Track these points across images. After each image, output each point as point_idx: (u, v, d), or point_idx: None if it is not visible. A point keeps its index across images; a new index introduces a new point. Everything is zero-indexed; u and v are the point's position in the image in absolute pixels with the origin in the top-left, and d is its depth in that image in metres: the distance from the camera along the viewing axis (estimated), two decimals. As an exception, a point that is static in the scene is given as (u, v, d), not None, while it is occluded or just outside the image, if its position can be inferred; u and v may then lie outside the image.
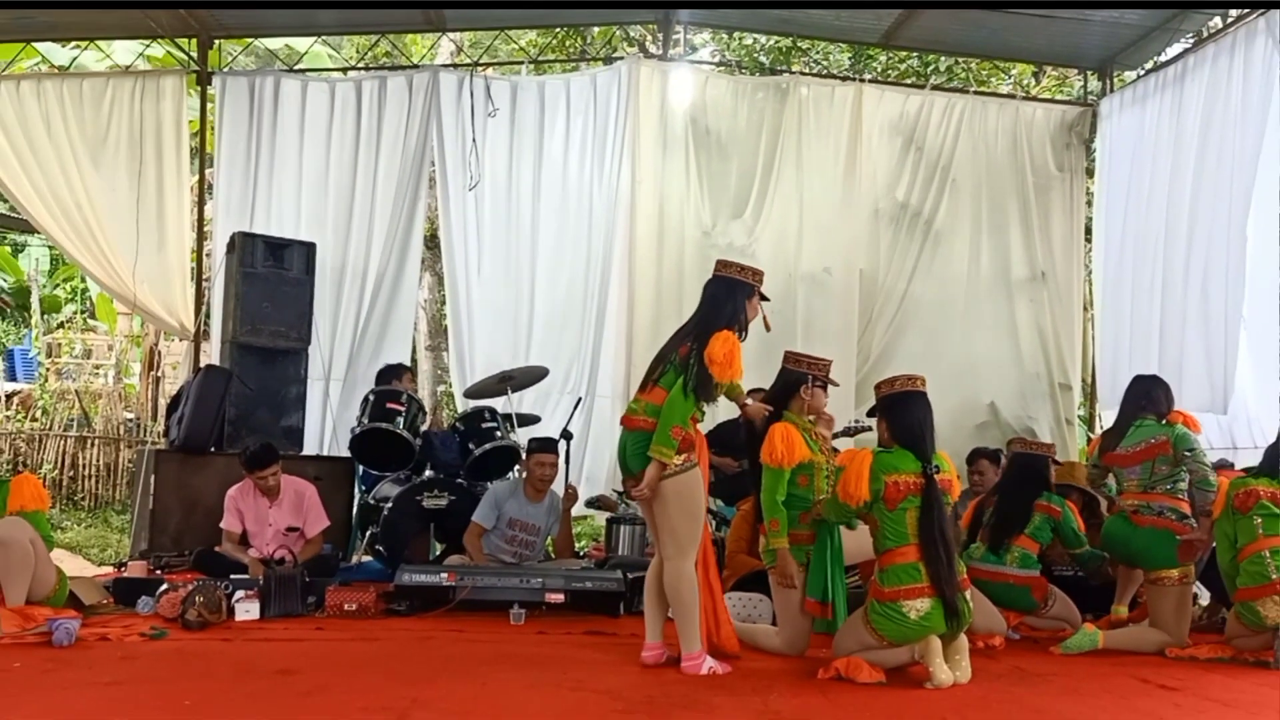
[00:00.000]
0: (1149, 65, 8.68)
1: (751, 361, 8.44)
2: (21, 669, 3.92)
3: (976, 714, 3.64)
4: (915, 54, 11.03)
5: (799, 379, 4.75)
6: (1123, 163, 8.46)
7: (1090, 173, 9.29)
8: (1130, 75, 9.03)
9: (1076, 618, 5.26)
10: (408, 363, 8.19)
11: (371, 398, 6.77)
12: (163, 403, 9.76)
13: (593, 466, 8.07)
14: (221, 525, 6.06)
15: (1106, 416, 8.55)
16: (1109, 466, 5.28)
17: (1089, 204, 9.27)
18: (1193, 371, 7.19)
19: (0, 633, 4.37)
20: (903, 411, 4.27)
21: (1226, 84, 7.21)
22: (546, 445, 6.23)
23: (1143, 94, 8.32)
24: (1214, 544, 4.94)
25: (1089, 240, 9.17)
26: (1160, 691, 4.12)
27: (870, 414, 4.47)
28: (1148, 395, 5.20)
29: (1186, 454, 4.92)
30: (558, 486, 6.42)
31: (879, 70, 11.37)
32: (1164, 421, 5.08)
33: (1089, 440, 9.32)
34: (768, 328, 4.52)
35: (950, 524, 4.21)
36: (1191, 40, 8.06)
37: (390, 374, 7.30)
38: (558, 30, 11.33)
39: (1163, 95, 7.99)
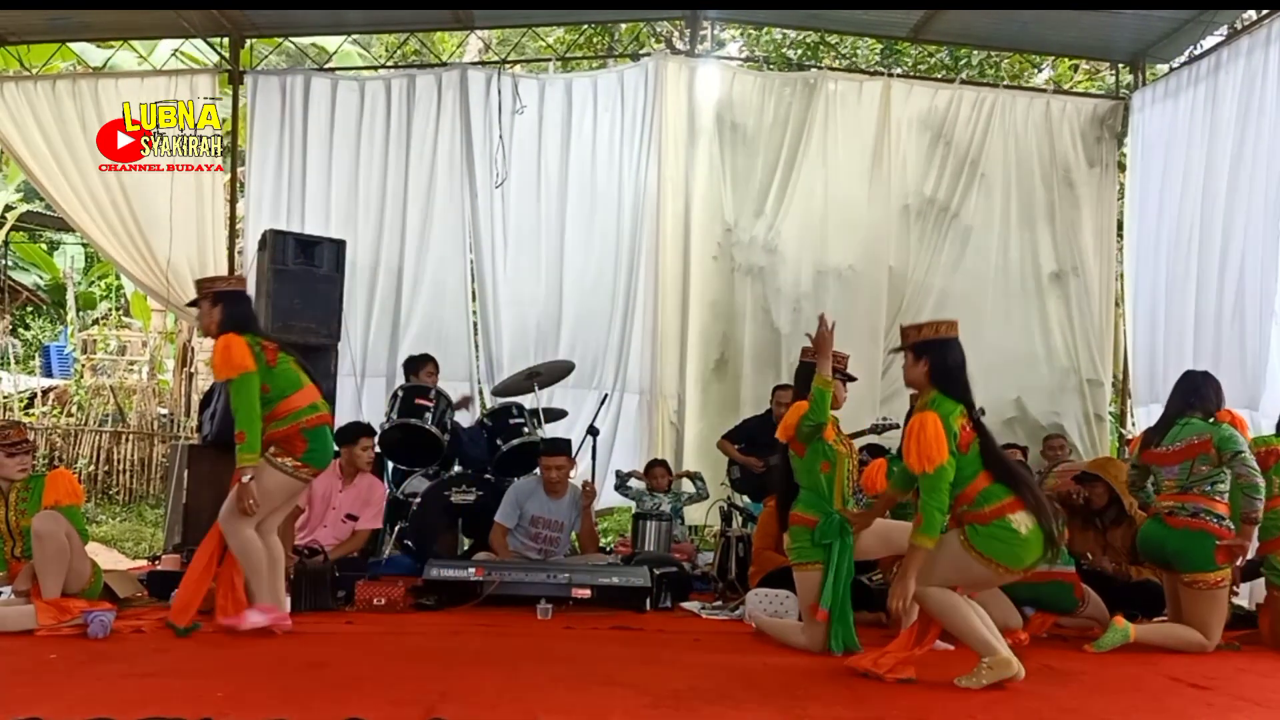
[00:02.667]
0: (1182, 58, 8.58)
1: (772, 360, 8.55)
2: (58, 660, 3.99)
3: (1005, 712, 3.61)
4: (945, 48, 10.95)
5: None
6: (1156, 156, 8.37)
7: (1122, 167, 9.20)
8: (1162, 68, 8.93)
9: (1106, 617, 5.21)
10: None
11: (400, 394, 6.82)
12: (196, 398, 9.86)
13: (621, 462, 8.08)
14: None
15: (1139, 413, 8.48)
16: (1148, 465, 5.12)
17: (1121, 198, 9.18)
18: (1227, 367, 7.10)
19: (36, 625, 4.45)
20: (948, 354, 4.09)
21: (1262, 77, 7.10)
22: (553, 448, 6.25)
23: (1175, 87, 8.22)
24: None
25: (1120, 235, 9.08)
26: (1191, 690, 4.08)
27: (899, 350, 4.23)
28: (1196, 392, 5.02)
29: (1234, 456, 4.74)
30: (580, 482, 6.46)
31: (909, 65, 11.30)
32: (1209, 420, 4.90)
33: (1120, 436, 9.25)
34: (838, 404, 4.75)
35: None
36: (1224, 33, 7.95)
37: (416, 365, 7.37)
38: (585, 27, 11.34)
39: (1196, 88, 7.89)
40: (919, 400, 4.15)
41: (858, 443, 7.37)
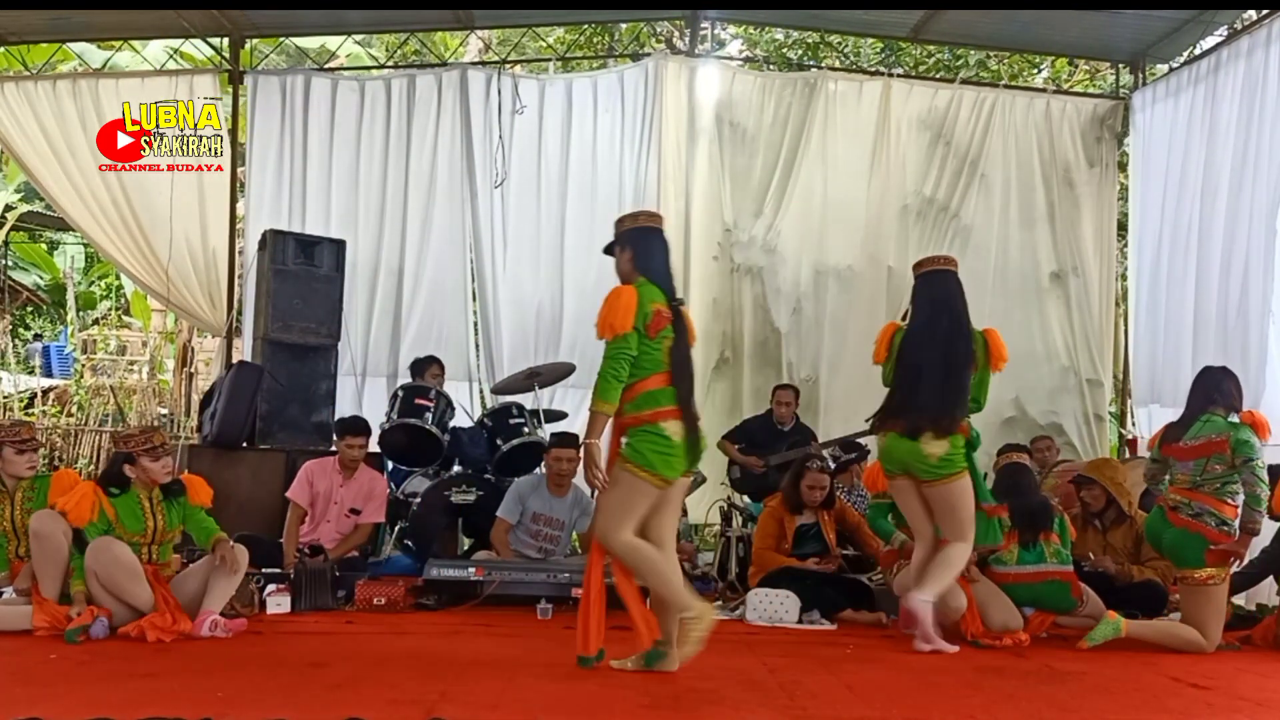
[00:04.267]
0: (1182, 58, 8.58)
1: (773, 360, 8.51)
2: (58, 660, 3.99)
3: (1005, 711, 3.62)
4: (945, 48, 10.95)
5: None
6: (1157, 156, 8.36)
7: (1122, 167, 9.19)
8: (1162, 68, 8.93)
9: (1103, 613, 5.22)
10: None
11: (400, 394, 6.82)
12: (196, 398, 9.87)
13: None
14: (288, 494, 6.14)
15: (1140, 413, 8.48)
16: (1167, 459, 5.10)
17: (1122, 199, 9.17)
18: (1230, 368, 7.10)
19: (33, 626, 4.44)
20: (650, 242, 4.24)
21: (1262, 77, 7.10)
22: (564, 440, 6.24)
23: (1176, 87, 8.22)
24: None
25: (1121, 235, 9.08)
26: (1192, 690, 4.08)
27: (608, 251, 4.35)
28: (1218, 387, 5.03)
29: (1246, 463, 4.75)
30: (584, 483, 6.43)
31: (910, 65, 11.30)
32: (1230, 420, 4.90)
33: (1120, 437, 9.26)
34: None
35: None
36: (1224, 33, 7.95)
37: (421, 366, 7.40)
38: (585, 27, 11.34)
39: (1196, 88, 7.89)
40: None
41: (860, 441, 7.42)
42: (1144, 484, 6.29)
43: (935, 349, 4.85)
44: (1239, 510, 4.83)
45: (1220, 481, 4.83)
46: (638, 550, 3.93)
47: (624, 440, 4.00)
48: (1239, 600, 5.78)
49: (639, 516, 3.96)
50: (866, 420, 5.33)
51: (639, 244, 4.19)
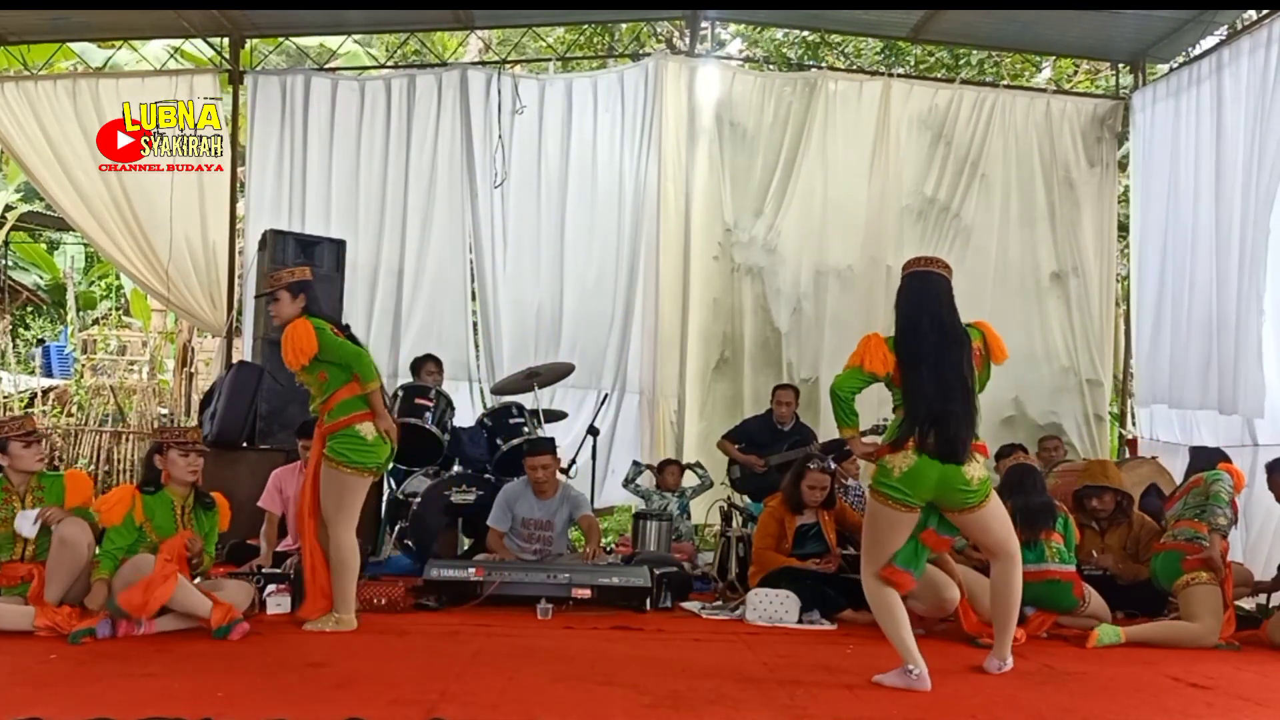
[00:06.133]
0: (1182, 58, 8.58)
1: (773, 360, 8.51)
2: (58, 660, 3.98)
3: (1005, 711, 3.62)
4: (945, 48, 10.95)
5: None
6: (1157, 156, 8.36)
7: (1122, 166, 9.18)
8: (1163, 68, 8.93)
9: (1108, 615, 5.24)
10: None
11: (400, 393, 6.82)
12: (196, 398, 9.87)
13: (620, 462, 8.08)
14: (260, 503, 6.13)
15: (1140, 413, 8.48)
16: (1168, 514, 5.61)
17: (1123, 200, 9.16)
18: (1227, 368, 7.09)
19: (34, 626, 4.43)
20: (314, 291, 4.87)
21: (1262, 77, 7.10)
22: (537, 448, 6.19)
23: (1176, 87, 8.22)
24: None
25: (1122, 235, 9.07)
26: (1192, 690, 4.08)
27: (265, 297, 4.97)
28: (1209, 463, 5.53)
29: (1214, 482, 5.25)
30: (585, 484, 6.43)
31: (911, 65, 11.30)
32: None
33: (1121, 437, 9.26)
34: None
35: None
36: (1224, 33, 7.95)
37: (418, 365, 7.41)
38: (585, 27, 11.35)
39: (1197, 88, 7.89)
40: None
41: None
42: (1143, 485, 6.38)
43: (948, 353, 4.27)
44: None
45: (1197, 509, 5.26)
46: (350, 553, 4.68)
47: (326, 447, 4.64)
48: (1241, 601, 5.78)
49: (359, 508, 4.72)
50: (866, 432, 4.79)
51: (308, 291, 4.82)
